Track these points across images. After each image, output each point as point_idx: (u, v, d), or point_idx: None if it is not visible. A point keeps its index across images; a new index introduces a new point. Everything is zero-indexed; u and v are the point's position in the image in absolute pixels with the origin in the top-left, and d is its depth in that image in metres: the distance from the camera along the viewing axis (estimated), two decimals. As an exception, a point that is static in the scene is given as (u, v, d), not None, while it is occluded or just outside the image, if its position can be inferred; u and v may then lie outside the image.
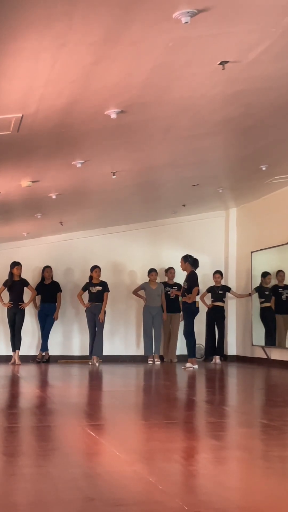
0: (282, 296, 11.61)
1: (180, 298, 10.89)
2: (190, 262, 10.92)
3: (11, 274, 11.88)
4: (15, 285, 11.90)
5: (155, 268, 12.41)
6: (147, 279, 12.44)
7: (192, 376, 9.43)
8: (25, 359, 12.18)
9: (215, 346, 12.33)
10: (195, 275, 10.89)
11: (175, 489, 3.01)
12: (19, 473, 3.32)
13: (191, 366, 10.51)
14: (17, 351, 11.76)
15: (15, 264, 11.89)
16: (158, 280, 12.59)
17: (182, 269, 11.02)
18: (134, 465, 3.47)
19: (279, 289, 11.66)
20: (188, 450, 3.96)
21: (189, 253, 11.69)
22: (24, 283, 11.96)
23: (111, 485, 3.02)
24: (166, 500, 2.77)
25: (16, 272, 11.86)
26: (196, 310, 10.91)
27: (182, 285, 10.91)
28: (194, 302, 10.80)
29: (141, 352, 12.49)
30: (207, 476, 3.32)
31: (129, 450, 3.94)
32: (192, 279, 10.82)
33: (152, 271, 12.32)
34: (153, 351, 12.15)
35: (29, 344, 12.58)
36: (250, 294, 12.21)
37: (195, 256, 11.71)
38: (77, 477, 3.22)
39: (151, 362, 12.00)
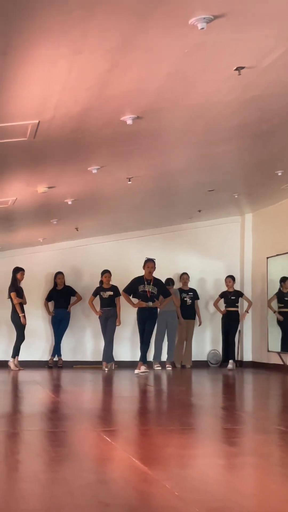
0: None
1: (150, 304, 10.45)
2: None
3: (16, 279, 11.84)
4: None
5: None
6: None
7: (207, 382, 9.40)
8: (38, 365, 12.22)
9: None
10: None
11: (191, 495, 2.99)
12: (34, 478, 3.32)
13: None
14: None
15: (20, 270, 11.88)
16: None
17: (152, 272, 10.58)
18: (149, 471, 3.46)
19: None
20: (203, 456, 3.95)
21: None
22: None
23: (127, 490, 3.02)
24: (182, 506, 2.77)
25: (20, 278, 11.86)
26: None
27: (149, 289, 10.49)
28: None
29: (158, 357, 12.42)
30: (223, 482, 3.31)
31: (145, 455, 3.93)
32: (165, 287, 10.75)
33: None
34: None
35: (43, 350, 12.62)
36: (247, 312, 12.49)
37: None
38: (92, 482, 3.21)
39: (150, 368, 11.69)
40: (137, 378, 9.69)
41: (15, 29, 3.95)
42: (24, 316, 11.65)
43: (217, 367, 12.63)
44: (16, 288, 11.74)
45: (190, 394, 8.22)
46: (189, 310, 12.56)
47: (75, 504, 2.81)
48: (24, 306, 11.85)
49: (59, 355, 12.45)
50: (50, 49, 4.30)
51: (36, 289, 12.52)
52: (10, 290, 11.73)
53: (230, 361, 12.08)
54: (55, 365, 12.38)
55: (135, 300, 10.61)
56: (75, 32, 4.08)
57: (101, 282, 11.97)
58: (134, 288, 10.45)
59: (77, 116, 5.63)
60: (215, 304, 12.46)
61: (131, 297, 10.66)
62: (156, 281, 10.48)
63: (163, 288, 10.59)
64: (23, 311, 11.69)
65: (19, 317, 11.61)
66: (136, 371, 10.23)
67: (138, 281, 10.50)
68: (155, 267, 10.51)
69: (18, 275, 11.81)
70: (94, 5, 3.76)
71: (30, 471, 3.52)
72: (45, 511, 2.72)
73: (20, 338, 11.68)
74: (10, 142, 6.03)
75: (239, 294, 12.38)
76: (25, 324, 11.68)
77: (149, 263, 10.46)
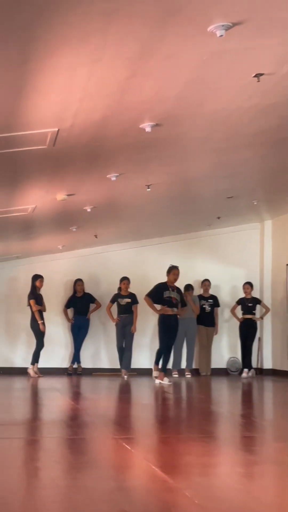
0: None
1: (175, 310, 10.15)
2: None
3: (35, 287, 11.88)
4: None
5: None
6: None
7: (226, 390, 9.36)
8: (58, 372, 12.24)
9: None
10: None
11: (211, 503, 2.98)
12: (55, 485, 3.32)
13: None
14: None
15: (39, 277, 11.91)
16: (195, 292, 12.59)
17: (177, 279, 10.33)
18: (169, 478, 3.45)
19: None
20: (223, 464, 3.93)
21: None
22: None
23: (147, 498, 3.01)
24: (202, 515, 2.75)
25: (39, 285, 11.89)
26: None
27: (174, 296, 10.22)
28: None
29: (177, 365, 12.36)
30: (243, 491, 3.29)
31: (164, 463, 3.92)
32: (183, 296, 10.54)
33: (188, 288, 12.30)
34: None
35: (63, 357, 12.64)
36: (261, 318, 12.31)
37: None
38: (113, 490, 3.21)
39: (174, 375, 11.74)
40: (157, 386, 9.66)
41: (34, 38, 3.97)
42: (43, 323, 11.68)
43: (236, 374, 12.57)
44: (35, 296, 11.78)
45: (209, 402, 8.19)
46: (208, 317, 12.50)
47: (95, 511, 2.81)
48: (44, 313, 11.88)
49: (79, 362, 12.46)
50: (70, 58, 4.32)
51: (55, 296, 12.56)
52: (29, 298, 11.78)
53: (245, 370, 11.93)
54: (75, 372, 12.39)
55: (157, 306, 10.42)
56: (95, 40, 4.10)
57: (119, 289, 11.98)
58: (158, 294, 10.16)
59: (96, 124, 5.66)
60: (232, 311, 12.39)
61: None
62: (178, 289, 10.42)
63: (182, 296, 10.53)
64: (42, 318, 11.72)
65: (38, 324, 11.65)
66: (158, 380, 9.97)
67: (162, 287, 10.21)
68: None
69: (37, 283, 11.86)
70: (113, 13, 3.78)
71: (50, 478, 3.53)
72: (65, 519, 2.72)
73: (40, 345, 11.71)
74: (30, 150, 6.06)
75: (257, 301, 12.28)
76: (44, 331, 11.71)
77: (176, 270, 10.21)
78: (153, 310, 10.25)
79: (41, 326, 11.62)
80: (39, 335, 11.67)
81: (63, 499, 3.05)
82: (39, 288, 11.86)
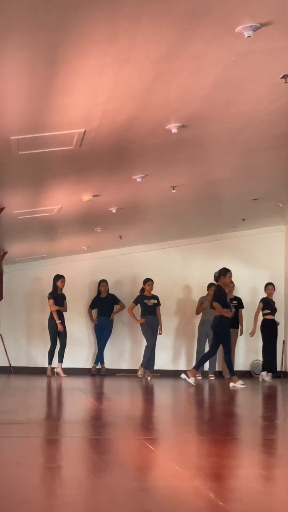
0: None
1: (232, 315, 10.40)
2: None
3: (56, 287, 11.94)
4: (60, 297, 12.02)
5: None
6: (204, 293, 12.35)
7: (249, 392, 9.31)
8: (81, 372, 12.28)
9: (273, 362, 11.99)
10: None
11: (236, 506, 2.97)
12: (79, 485, 3.34)
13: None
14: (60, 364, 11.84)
15: (60, 277, 11.97)
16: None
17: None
18: (193, 480, 3.44)
19: None
20: (247, 467, 3.92)
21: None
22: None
23: (171, 499, 3.01)
24: (227, 517, 2.74)
25: (60, 285, 11.94)
26: None
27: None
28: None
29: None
30: (267, 493, 3.27)
31: (188, 465, 3.92)
32: None
33: (211, 285, 12.21)
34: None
35: (86, 357, 12.68)
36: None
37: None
38: (136, 490, 3.21)
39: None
40: (182, 387, 9.65)
41: (62, 39, 4.00)
42: (61, 323, 11.74)
43: (260, 377, 12.48)
44: (54, 296, 11.86)
45: (232, 404, 8.15)
46: (232, 319, 12.37)
47: (120, 511, 2.81)
48: (68, 314, 11.93)
49: (102, 363, 12.49)
50: (97, 59, 4.34)
51: (79, 297, 12.61)
52: (48, 297, 11.89)
53: (269, 373, 11.70)
54: (98, 373, 12.43)
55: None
56: (122, 41, 4.11)
57: (142, 290, 11.98)
58: (225, 298, 10.23)
59: (122, 125, 5.67)
60: (257, 314, 12.11)
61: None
62: None
63: None
64: (60, 318, 11.78)
65: (56, 324, 11.72)
66: (184, 376, 10.04)
67: (224, 290, 10.29)
68: None
69: (59, 283, 11.93)
70: (141, 15, 3.78)
71: (74, 478, 3.54)
72: (89, 518, 2.73)
73: (53, 345, 11.81)
74: (56, 151, 6.10)
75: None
76: (62, 331, 11.75)
77: (231, 272, 10.25)
78: (223, 313, 10.10)
79: (58, 326, 11.68)
80: (53, 334, 11.74)
81: (87, 499, 3.06)
82: (61, 289, 11.94)
